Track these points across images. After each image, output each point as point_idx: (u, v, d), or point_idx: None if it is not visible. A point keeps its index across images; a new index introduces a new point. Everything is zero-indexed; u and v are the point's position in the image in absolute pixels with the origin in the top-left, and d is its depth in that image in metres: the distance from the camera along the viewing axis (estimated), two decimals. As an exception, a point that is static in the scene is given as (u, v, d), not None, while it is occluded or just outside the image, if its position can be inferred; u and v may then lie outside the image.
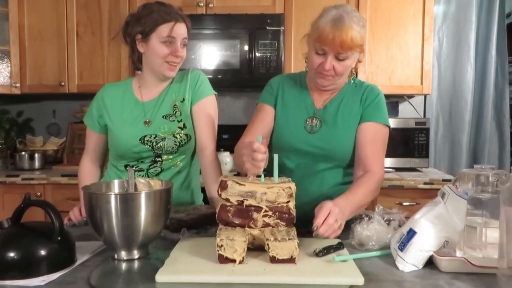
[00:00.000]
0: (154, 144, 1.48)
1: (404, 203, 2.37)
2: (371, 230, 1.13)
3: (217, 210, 1.07)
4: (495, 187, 0.99)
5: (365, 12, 2.60)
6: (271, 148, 1.50)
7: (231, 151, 1.50)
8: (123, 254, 1.06)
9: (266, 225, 1.04)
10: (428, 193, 2.34)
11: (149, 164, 1.52)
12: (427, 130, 2.60)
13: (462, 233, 0.99)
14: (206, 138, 1.51)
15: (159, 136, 1.48)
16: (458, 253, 1.00)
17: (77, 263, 1.04)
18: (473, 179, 1.03)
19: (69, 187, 2.48)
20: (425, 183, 2.37)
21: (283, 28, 2.58)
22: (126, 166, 1.53)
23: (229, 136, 2.68)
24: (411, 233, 1.01)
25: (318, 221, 1.11)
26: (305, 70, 1.48)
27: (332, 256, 1.03)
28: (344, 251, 1.08)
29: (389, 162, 2.57)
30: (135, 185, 1.18)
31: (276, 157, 1.11)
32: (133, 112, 1.51)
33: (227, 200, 1.05)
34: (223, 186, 1.05)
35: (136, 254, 1.07)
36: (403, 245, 1.01)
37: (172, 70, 1.47)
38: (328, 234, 1.13)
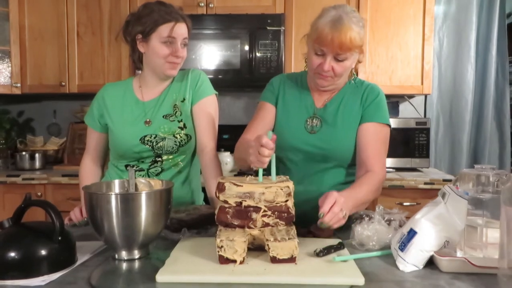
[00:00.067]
0: (154, 144, 1.48)
1: (405, 203, 2.37)
2: (372, 230, 1.13)
3: (216, 211, 1.07)
4: (496, 187, 0.99)
5: (365, 12, 2.60)
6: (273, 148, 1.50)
7: (232, 151, 1.50)
8: (124, 254, 1.06)
9: (266, 225, 1.04)
10: (429, 193, 2.34)
11: (150, 164, 1.52)
12: (428, 130, 2.60)
13: (463, 233, 0.99)
14: (207, 138, 1.51)
15: (159, 136, 1.48)
16: (459, 253, 1.00)
17: (78, 263, 1.04)
18: (474, 179, 1.03)
19: (70, 187, 2.48)
20: (425, 183, 2.37)
21: (283, 28, 2.58)
22: (126, 166, 1.53)
23: (229, 136, 2.68)
24: (412, 233, 1.01)
25: (324, 208, 1.10)
26: (305, 70, 1.48)
27: (332, 256, 1.03)
28: (345, 251, 1.08)
29: (389, 162, 2.57)
30: (136, 185, 1.18)
31: (273, 156, 1.11)
32: (133, 112, 1.52)
33: (225, 201, 1.05)
34: (220, 188, 1.05)
35: (136, 254, 1.07)
36: (403, 245, 1.01)
37: (174, 68, 1.47)
38: (333, 223, 1.11)
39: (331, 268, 0.97)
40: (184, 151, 1.53)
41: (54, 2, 2.74)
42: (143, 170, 1.52)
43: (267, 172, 1.14)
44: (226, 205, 1.04)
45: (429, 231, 0.99)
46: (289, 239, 0.98)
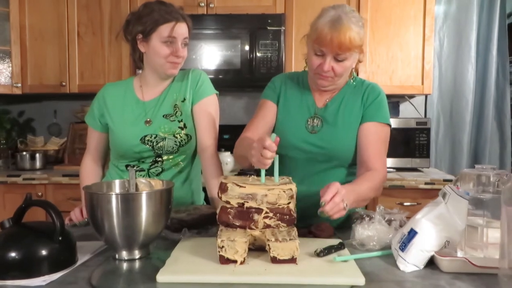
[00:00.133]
0: (154, 144, 1.48)
1: (405, 203, 2.37)
2: (372, 230, 1.13)
3: (217, 212, 1.07)
4: (496, 187, 0.99)
5: (365, 12, 2.60)
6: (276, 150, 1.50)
7: (232, 151, 1.50)
8: (124, 254, 1.06)
9: (267, 226, 1.04)
10: (429, 193, 2.33)
11: (150, 164, 1.52)
12: (428, 130, 2.60)
13: (463, 233, 0.99)
14: (207, 137, 1.51)
15: (159, 136, 1.48)
16: (459, 253, 1.00)
17: (78, 263, 1.04)
18: (474, 179, 1.03)
19: (70, 187, 2.48)
20: (426, 183, 2.37)
21: (284, 28, 2.58)
22: (127, 166, 1.53)
23: (230, 136, 2.68)
24: (412, 233, 1.00)
25: (325, 198, 1.09)
26: (304, 69, 1.48)
27: (333, 256, 1.03)
28: (345, 251, 1.08)
29: (390, 162, 2.57)
30: (136, 185, 1.18)
31: (276, 157, 1.11)
32: (134, 112, 1.52)
33: (228, 202, 1.04)
34: (223, 188, 1.05)
35: (137, 254, 1.07)
36: (404, 245, 1.01)
37: (174, 68, 1.47)
38: (333, 213, 1.10)
39: (331, 268, 0.97)
40: (184, 151, 1.53)
41: (55, 2, 2.75)
42: (144, 170, 1.52)
43: (269, 172, 1.14)
44: (228, 206, 1.04)
45: (429, 231, 0.99)
46: (290, 239, 0.98)
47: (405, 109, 2.99)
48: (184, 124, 1.51)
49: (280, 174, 1.16)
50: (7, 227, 1.02)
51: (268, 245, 0.99)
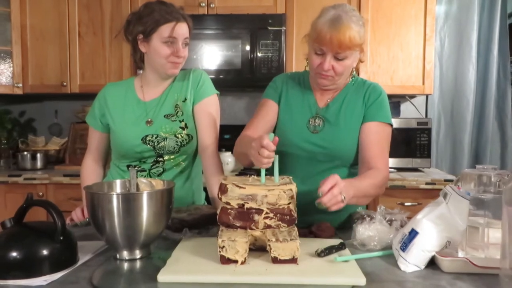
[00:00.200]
0: (155, 144, 1.48)
1: (406, 203, 2.37)
2: (373, 230, 1.13)
3: (218, 212, 1.07)
4: (497, 187, 0.99)
5: (366, 12, 2.60)
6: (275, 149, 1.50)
7: (233, 151, 1.50)
8: (125, 254, 1.06)
9: (267, 226, 1.03)
10: (430, 193, 2.33)
11: (151, 164, 1.52)
12: (429, 130, 2.60)
13: (464, 234, 0.99)
14: (208, 137, 1.51)
15: (160, 136, 1.48)
16: (460, 254, 1.00)
17: (79, 263, 1.04)
18: (475, 179, 1.03)
19: (71, 187, 2.48)
20: (427, 183, 2.36)
21: (284, 28, 2.58)
22: (128, 166, 1.53)
23: (230, 136, 2.68)
24: (413, 234, 1.00)
25: (323, 188, 1.09)
26: (306, 69, 1.48)
27: (334, 256, 1.03)
28: (346, 251, 1.08)
29: (391, 162, 2.56)
30: (137, 185, 1.18)
31: (276, 157, 1.11)
32: (135, 112, 1.52)
33: (228, 203, 1.04)
34: (223, 189, 1.05)
35: (138, 254, 1.07)
36: (405, 245, 1.01)
37: (175, 67, 1.47)
38: (330, 204, 1.10)
39: (332, 268, 0.97)
40: (185, 151, 1.53)
41: (56, 2, 2.75)
42: (145, 170, 1.52)
43: (269, 172, 1.14)
44: (228, 207, 1.04)
45: (430, 231, 0.99)
46: (290, 240, 0.98)
47: (406, 109, 2.98)
48: (185, 124, 1.51)
49: (282, 173, 1.16)
50: (8, 227, 1.02)
51: (269, 245, 0.99)
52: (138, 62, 1.54)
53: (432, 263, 1.00)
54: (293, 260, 0.99)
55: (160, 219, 1.07)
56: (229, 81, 2.63)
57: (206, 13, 2.65)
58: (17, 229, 1.02)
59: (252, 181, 1.09)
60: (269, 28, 2.57)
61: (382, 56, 2.65)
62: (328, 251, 1.04)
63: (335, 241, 1.11)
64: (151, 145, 1.48)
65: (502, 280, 0.87)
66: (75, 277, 0.95)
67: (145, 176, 1.51)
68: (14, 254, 0.94)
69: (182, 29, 1.44)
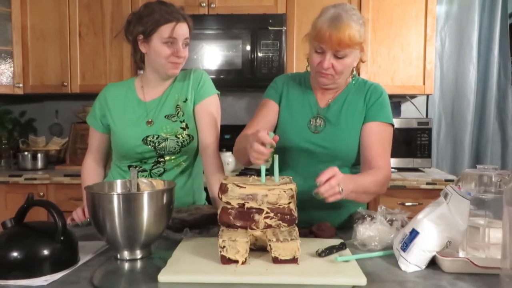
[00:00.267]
0: (156, 144, 1.48)
1: (407, 203, 2.37)
2: (374, 231, 1.13)
3: (218, 212, 1.07)
4: (498, 187, 0.99)
5: (367, 12, 2.60)
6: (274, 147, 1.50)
7: (233, 150, 1.50)
8: (126, 254, 1.06)
9: (268, 226, 1.03)
10: (431, 193, 2.33)
11: (152, 164, 1.52)
12: (430, 130, 2.60)
13: (465, 234, 0.99)
14: (209, 137, 1.51)
15: (161, 137, 1.48)
16: (461, 254, 1.00)
17: (80, 263, 1.04)
18: (476, 179, 1.03)
19: (72, 187, 2.48)
20: (427, 183, 2.36)
21: (285, 28, 2.58)
22: (129, 166, 1.53)
23: (231, 136, 2.68)
24: (414, 234, 1.00)
25: (321, 178, 1.09)
26: (307, 70, 1.48)
27: (334, 256, 1.03)
28: (347, 251, 1.08)
29: (391, 162, 2.54)
30: (138, 185, 1.18)
31: (276, 157, 1.11)
32: (135, 112, 1.52)
33: (228, 203, 1.04)
34: (223, 189, 1.05)
35: (138, 254, 1.07)
36: (405, 245, 1.01)
37: (176, 68, 1.47)
38: (328, 195, 1.10)
39: (333, 268, 0.97)
40: (186, 152, 1.53)
41: (56, 2, 2.75)
42: (146, 170, 1.52)
43: (270, 172, 1.14)
44: (229, 206, 1.04)
45: (431, 232, 0.99)
46: (291, 239, 0.98)
47: (407, 109, 2.98)
48: (186, 125, 1.51)
49: (282, 174, 1.16)
50: (9, 227, 1.02)
51: (270, 245, 0.99)
52: (139, 62, 1.54)
53: (432, 263, 1.00)
54: (293, 260, 0.99)
55: (161, 219, 1.07)
56: (229, 81, 2.63)
57: (206, 13, 2.65)
58: (17, 229, 1.02)
59: (253, 181, 1.09)
60: (269, 28, 2.57)
61: (382, 56, 2.65)
62: (329, 251, 1.04)
63: (336, 241, 1.11)
64: (152, 146, 1.49)
65: (503, 280, 0.87)
66: (76, 277, 0.95)
67: (146, 176, 1.51)
68: (15, 254, 0.94)
69: (182, 29, 1.44)
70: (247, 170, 2.65)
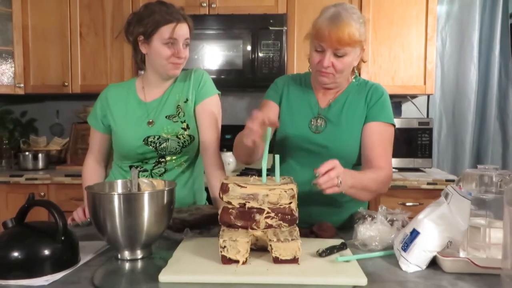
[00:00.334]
0: (157, 145, 1.49)
1: (407, 204, 2.37)
2: (374, 231, 1.13)
3: (219, 212, 1.07)
4: (499, 188, 0.99)
5: (367, 12, 2.59)
6: (275, 147, 1.50)
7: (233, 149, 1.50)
8: (127, 254, 1.06)
9: (269, 226, 1.03)
10: (432, 194, 2.33)
11: (153, 164, 1.52)
12: (430, 130, 2.60)
13: (466, 234, 0.99)
14: (210, 137, 1.51)
15: (162, 137, 1.49)
16: (462, 254, 1.00)
17: (81, 263, 1.04)
18: (477, 179, 1.03)
19: (73, 187, 2.48)
20: (428, 184, 2.36)
21: (285, 28, 2.58)
22: (130, 166, 1.53)
23: (232, 136, 2.64)
24: (415, 234, 1.00)
25: (320, 169, 1.10)
26: (308, 71, 1.48)
27: (335, 257, 1.03)
28: (347, 251, 1.08)
29: (392, 162, 2.56)
30: (138, 185, 1.18)
31: (277, 157, 1.11)
32: (136, 113, 1.52)
33: (229, 203, 1.04)
34: (224, 189, 1.05)
35: (139, 254, 1.07)
36: (406, 245, 1.01)
37: (177, 68, 1.47)
38: (326, 187, 1.11)
39: (333, 268, 0.97)
40: (187, 152, 1.53)
41: (57, 2, 2.75)
42: (147, 170, 1.52)
43: (271, 172, 1.14)
44: (230, 206, 1.04)
45: (432, 232, 0.99)
46: (292, 240, 0.98)
47: (407, 109, 2.98)
48: (187, 125, 1.51)
49: (284, 174, 1.16)
50: (10, 227, 1.02)
51: (270, 245, 0.99)
52: (139, 63, 1.55)
53: (433, 263, 1.00)
54: (294, 260, 0.99)
55: (162, 219, 1.07)
56: (230, 81, 2.63)
57: (207, 13, 2.66)
58: (18, 229, 1.02)
59: (254, 181, 1.09)
60: (270, 28, 2.57)
61: (383, 56, 2.65)
62: (330, 251, 1.04)
63: (337, 241, 1.11)
64: (153, 146, 1.49)
65: (503, 280, 0.87)
66: (77, 277, 0.96)
67: (147, 176, 1.51)
68: (16, 254, 0.94)
69: (183, 30, 1.44)
70: (248, 170, 2.65)
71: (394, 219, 1.17)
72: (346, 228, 1.34)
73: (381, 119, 1.39)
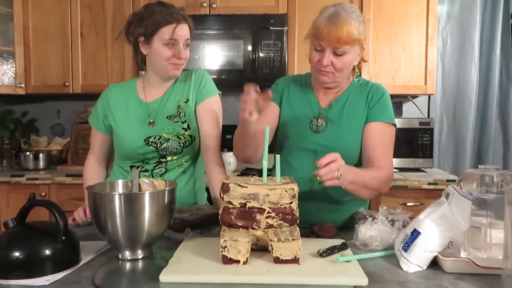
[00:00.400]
0: (158, 145, 1.49)
1: (408, 204, 2.37)
2: (375, 231, 1.13)
3: (220, 212, 1.07)
4: (500, 188, 0.99)
5: (368, 12, 2.59)
6: (276, 147, 1.50)
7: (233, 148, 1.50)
8: (127, 254, 1.06)
9: (269, 226, 1.03)
10: (432, 194, 2.33)
11: (154, 164, 1.52)
12: (431, 130, 2.59)
13: (467, 234, 0.99)
14: (210, 137, 1.51)
15: (163, 137, 1.49)
16: (463, 254, 1.00)
17: (82, 262, 1.04)
18: (478, 179, 1.03)
19: (74, 187, 2.49)
20: (429, 184, 2.36)
21: (286, 28, 2.58)
22: (131, 166, 1.53)
23: (232, 136, 2.67)
24: (415, 234, 1.00)
25: (321, 161, 1.10)
26: (310, 71, 1.48)
27: (336, 257, 1.03)
28: (348, 251, 1.08)
29: (393, 162, 2.56)
30: (139, 185, 1.18)
31: (278, 157, 1.11)
32: (137, 113, 1.52)
33: (230, 202, 1.04)
34: (225, 189, 1.05)
35: (140, 254, 1.07)
36: (407, 245, 1.01)
37: (177, 69, 1.47)
38: (326, 178, 1.11)
39: (334, 269, 0.97)
40: (188, 152, 1.53)
41: (58, 2, 2.75)
42: (148, 171, 1.52)
43: (271, 172, 1.14)
44: (230, 206, 1.04)
45: (432, 232, 0.99)
46: (292, 240, 0.98)
47: (408, 109, 2.98)
48: (188, 125, 1.51)
49: (285, 174, 1.16)
50: (11, 227, 1.02)
51: (271, 245, 0.99)
52: (140, 63, 1.55)
53: (434, 264, 1.00)
54: (295, 260, 0.99)
55: (162, 219, 1.07)
56: (231, 81, 2.63)
57: (208, 13, 2.66)
58: (19, 229, 1.02)
59: (254, 181, 1.09)
60: (271, 28, 2.57)
61: (384, 56, 2.64)
62: (330, 251, 1.04)
63: (337, 241, 1.11)
64: (154, 147, 1.49)
65: (504, 280, 0.87)
66: (77, 277, 0.96)
67: (147, 176, 1.51)
68: (17, 254, 0.94)
69: (183, 31, 1.44)
70: (248, 170, 2.65)
71: (395, 219, 1.17)
72: (346, 228, 1.34)
73: (382, 119, 1.39)
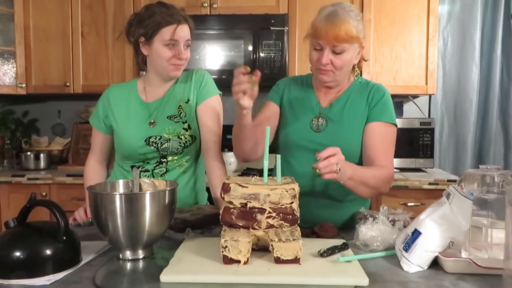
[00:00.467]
0: (159, 145, 1.49)
1: (409, 204, 2.37)
2: (376, 231, 1.13)
3: (220, 212, 1.07)
4: (501, 188, 0.99)
5: (369, 12, 2.59)
6: (277, 147, 1.50)
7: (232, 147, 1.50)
8: (128, 254, 1.06)
9: (270, 226, 1.03)
10: (433, 194, 2.33)
11: (155, 164, 1.52)
12: (432, 130, 2.59)
13: (468, 234, 0.99)
14: (211, 137, 1.52)
15: (163, 138, 1.49)
16: (463, 254, 0.99)
17: (82, 262, 1.04)
18: (479, 179, 1.03)
19: (74, 187, 2.49)
20: (430, 184, 2.36)
21: (287, 28, 2.58)
22: (132, 166, 1.53)
23: (233, 136, 2.68)
24: (416, 234, 1.00)
25: (322, 154, 1.11)
26: (310, 71, 1.48)
27: (336, 257, 1.03)
28: (349, 251, 1.08)
29: (394, 162, 2.56)
30: (140, 185, 1.18)
31: (278, 157, 1.11)
32: (138, 113, 1.52)
33: (230, 202, 1.04)
34: (226, 189, 1.05)
35: (140, 254, 1.07)
36: (408, 245, 1.01)
37: (178, 69, 1.47)
38: (325, 172, 1.12)
39: (335, 269, 0.97)
40: (189, 152, 1.53)
41: (59, 2, 2.76)
42: (148, 170, 1.52)
43: (272, 172, 1.14)
44: (231, 206, 1.04)
45: (433, 232, 0.99)
46: (293, 240, 0.98)
47: (409, 109, 2.98)
48: (189, 125, 1.51)
49: (286, 174, 1.16)
50: (12, 227, 1.02)
51: (272, 245, 0.99)
52: (141, 64, 1.55)
53: (435, 264, 1.00)
54: (295, 260, 0.99)
55: (163, 219, 1.07)
56: (231, 81, 2.62)
57: (208, 13, 2.66)
58: (20, 229, 1.02)
59: (255, 181, 1.09)
60: (271, 28, 2.57)
61: (385, 56, 2.64)
62: (331, 251, 1.04)
63: (338, 241, 1.11)
64: (155, 147, 1.49)
65: (505, 280, 0.87)
66: (78, 277, 0.96)
67: (148, 176, 1.51)
68: (18, 254, 0.94)
69: (184, 31, 1.44)
70: (249, 170, 2.65)
71: (396, 219, 1.17)
72: (347, 228, 1.34)
73: (383, 119, 1.39)
